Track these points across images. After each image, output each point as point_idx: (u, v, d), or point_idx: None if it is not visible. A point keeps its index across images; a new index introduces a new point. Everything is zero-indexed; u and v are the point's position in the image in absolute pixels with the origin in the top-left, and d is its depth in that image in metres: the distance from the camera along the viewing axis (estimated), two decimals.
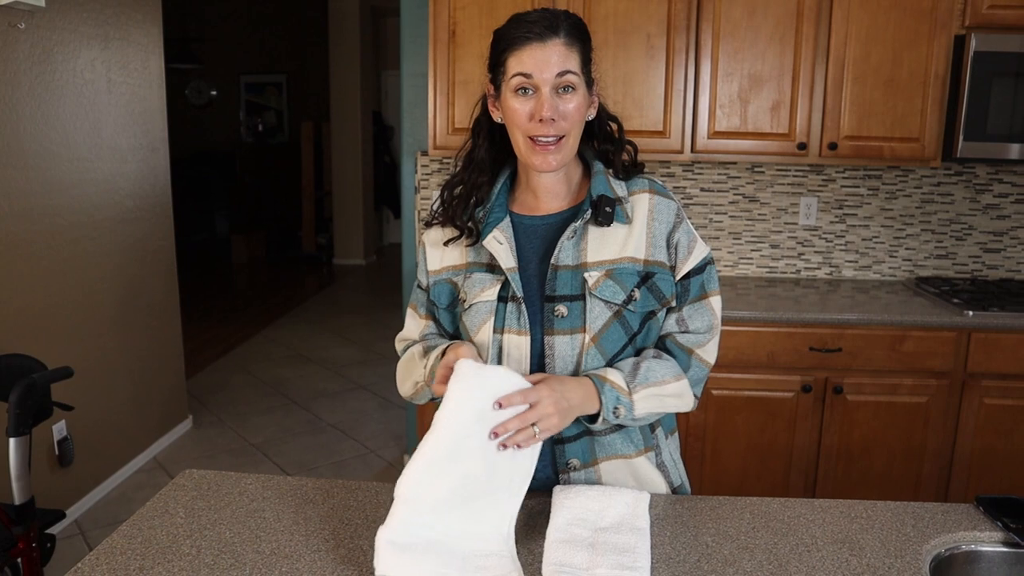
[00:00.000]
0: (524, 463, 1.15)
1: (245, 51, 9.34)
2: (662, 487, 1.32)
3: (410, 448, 3.67)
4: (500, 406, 1.11)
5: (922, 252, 3.28)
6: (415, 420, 3.47)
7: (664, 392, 1.25)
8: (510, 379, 1.14)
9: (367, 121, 8.44)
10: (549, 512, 1.21)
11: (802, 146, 2.88)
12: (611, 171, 1.30)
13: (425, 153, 3.27)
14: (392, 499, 1.08)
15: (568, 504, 1.15)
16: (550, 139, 1.21)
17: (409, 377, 1.35)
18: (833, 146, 2.87)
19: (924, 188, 3.23)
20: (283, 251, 8.96)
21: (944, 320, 2.70)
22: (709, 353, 1.31)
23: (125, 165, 3.46)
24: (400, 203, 10.12)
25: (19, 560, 1.97)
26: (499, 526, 1.11)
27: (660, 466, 1.33)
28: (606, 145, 1.32)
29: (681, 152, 2.90)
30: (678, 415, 1.47)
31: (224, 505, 1.24)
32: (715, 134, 2.90)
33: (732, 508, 1.26)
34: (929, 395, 2.73)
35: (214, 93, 9.53)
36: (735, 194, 3.27)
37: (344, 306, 6.90)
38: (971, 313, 2.71)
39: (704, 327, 1.29)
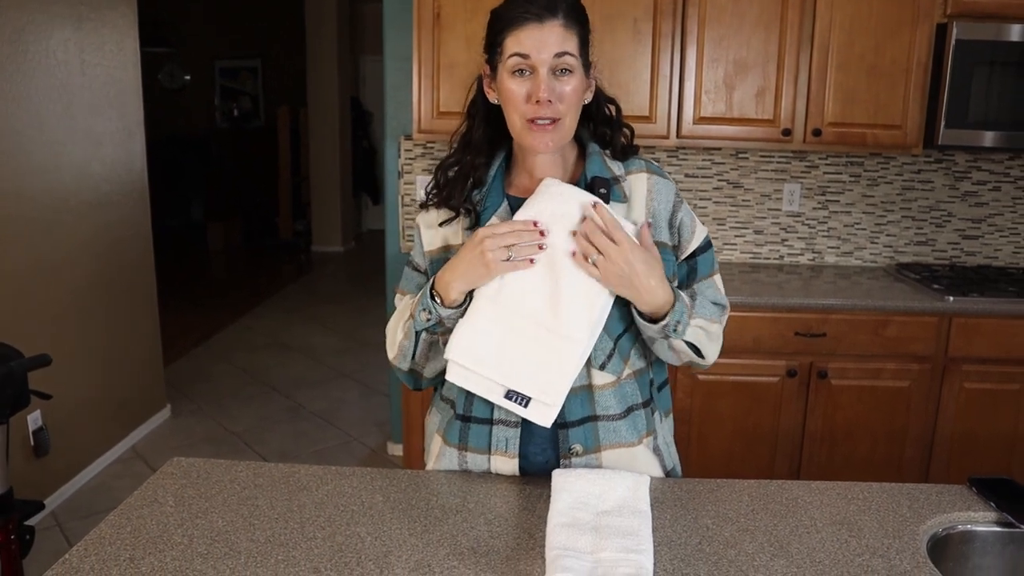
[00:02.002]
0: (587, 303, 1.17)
1: (219, 35, 9.20)
2: (657, 471, 1.32)
3: (394, 435, 3.65)
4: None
5: (902, 239, 3.31)
6: (398, 407, 3.45)
7: (708, 330, 1.27)
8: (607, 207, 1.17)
9: (345, 106, 8.35)
10: (548, 496, 1.20)
11: (786, 132, 2.88)
12: (607, 152, 1.29)
13: (409, 137, 3.23)
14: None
15: (569, 488, 1.14)
16: (547, 120, 1.19)
17: (400, 318, 1.31)
18: (817, 132, 2.87)
19: (905, 175, 3.25)
20: (260, 238, 8.86)
21: (926, 305, 2.72)
22: (723, 323, 1.32)
23: (100, 149, 3.39)
24: (378, 189, 10.04)
25: None
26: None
27: (656, 450, 1.32)
28: (603, 127, 1.30)
29: (667, 137, 2.89)
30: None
31: (215, 493, 1.21)
32: (700, 120, 2.90)
33: (730, 491, 1.26)
34: (911, 379, 2.76)
35: (188, 77, 9.38)
36: (719, 180, 3.27)
37: (323, 294, 6.85)
38: (951, 299, 2.73)
39: (715, 302, 1.30)
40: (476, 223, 1.26)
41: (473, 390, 1.21)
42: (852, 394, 2.77)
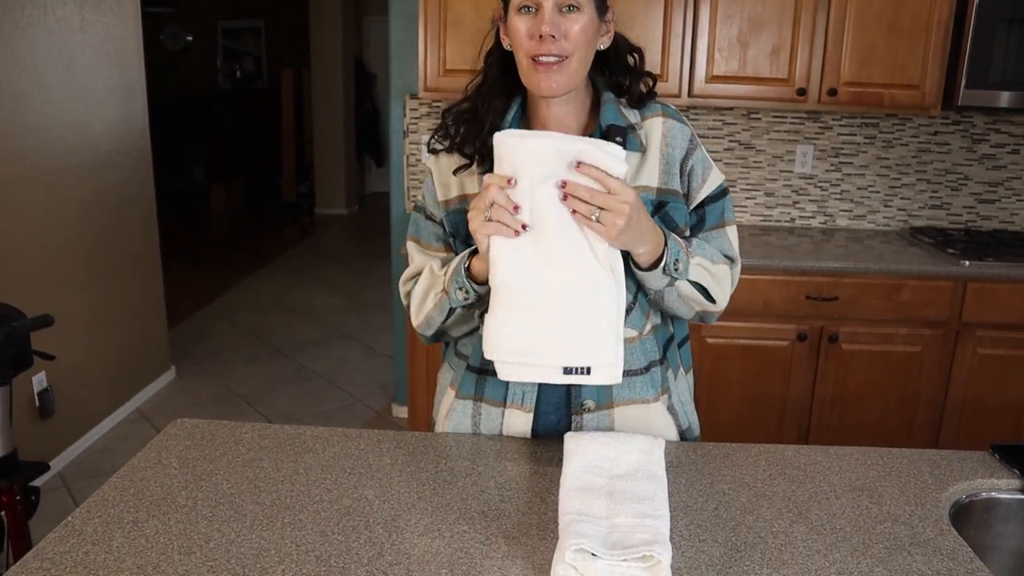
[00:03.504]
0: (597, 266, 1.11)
1: None
2: (672, 431, 1.29)
3: (398, 397, 3.64)
4: (578, 168, 1.05)
5: (917, 202, 3.25)
6: (403, 369, 3.43)
7: (712, 270, 1.22)
8: (600, 147, 1.07)
9: (349, 68, 8.24)
10: (560, 459, 1.17)
11: (801, 92, 2.81)
12: (623, 100, 1.24)
13: (414, 96, 3.16)
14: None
15: (581, 451, 1.11)
16: (551, 58, 1.13)
17: (428, 295, 1.25)
18: (833, 92, 2.80)
19: (921, 137, 3.18)
20: (263, 200, 8.80)
21: (941, 270, 2.67)
22: (733, 280, 1.27)
23: (101, 107, 3.33)
24: (382, 152, 9.95)
25: (3, 513, 1.91)
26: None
27: (670, 409, 1.29)
28: (620, 76, 1.24)
29: (679, 96, 2.83)
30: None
31: (219, 455, 1.18)
32: (713, 78, 2.83)
33: (746, 455, 1.23)
34: (923, 344, 2.72)
35: (190, 39, 9.24)
36: (730, 141, 3.20)
37: (327, 255, 6.81)
38: (967, 263, 2.69)
39: (724, 255, 1.26)
40: (492, 168, 1.21)
41: (532, 380, 1.18)
42: (863, 359, 2.73)
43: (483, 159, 1.22)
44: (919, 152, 3.19)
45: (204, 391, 3.88)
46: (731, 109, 3.15)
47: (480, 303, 1.19)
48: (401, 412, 3.63)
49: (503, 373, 1.14)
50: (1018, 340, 2.72)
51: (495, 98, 1.23)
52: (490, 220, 1.07)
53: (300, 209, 8.55)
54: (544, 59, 1.13)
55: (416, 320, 1.30)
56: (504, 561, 0.95)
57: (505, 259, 1.10)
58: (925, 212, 3.25)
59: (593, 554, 0.88)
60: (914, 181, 3.23)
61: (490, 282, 1.12)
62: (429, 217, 1.32)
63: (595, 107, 1.25)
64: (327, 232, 7.75)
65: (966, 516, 1.16)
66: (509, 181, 1.06)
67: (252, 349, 4.49)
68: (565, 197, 1.05)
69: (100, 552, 0.94)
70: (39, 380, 2.88)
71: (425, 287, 1.27)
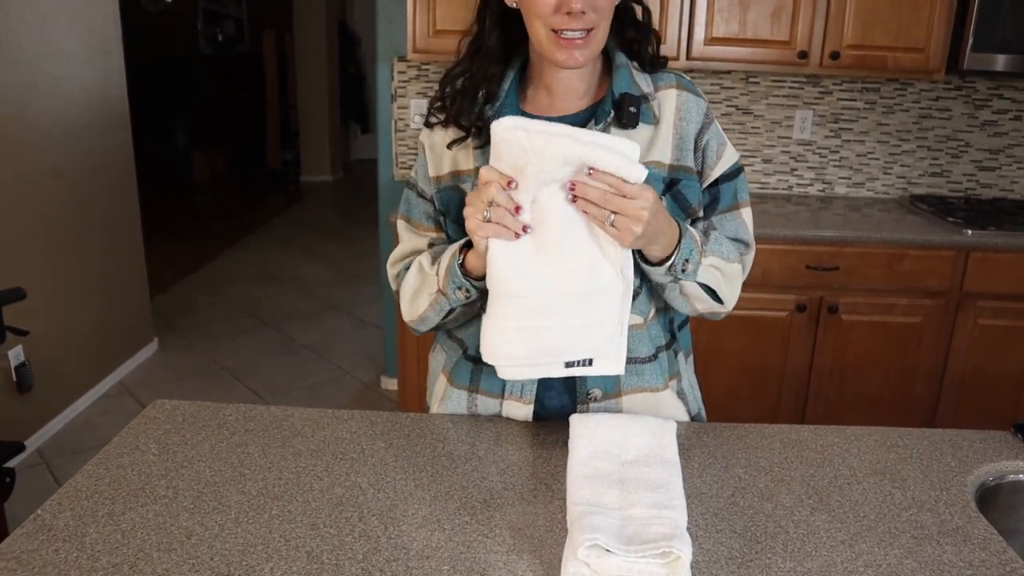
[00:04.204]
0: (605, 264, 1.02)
1: None
2: (682, 417, 1.22)
3: (387, 369, 3.57)
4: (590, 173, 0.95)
5: (916, 169, 3.18)
6: (393, 339, 3.35)
7: (725, 269, 1.14)
8: (613, 148, 0.95)
9: (333, 31, 8.05)
10: (565, 442, 1.10)
11: (803, 55, 2.72)
12: (635, 64, 1.15)
13: (402, 59, 3.05)
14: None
15: (588, 434, 1.04)
16: (577, 33, 1.04)
17: (420, 293, 1.18)
18: (835, 55, 2.71)
19: (922, 103, 3.11)
20: (247, 167, 8.63)
21: (943, 239, 2.62)
22: (746, 268, 1.19)
23: (76, 70, 3.20)
24: (368, 118, 9.78)
25: None
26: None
27: (680, 394, 1.22)
28: (631, 32, 1.15)
29: (677, 59, 2.73)
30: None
31: (202, 439, 1.11)
32: (712, 40, 2.73)
33: (760, 437, 1.17)
34: (924, 315, 2.67)
35: (169, 0, 8.99)
36: (728, 106, 3.12)
37: (313, 224, 6.69)
38: (970, 232, 2.63)
39: (737, 239, 1.17)
40: (489, 143, 1.12)
41: (532, 377, 1.11)
42: (863, 330, 2.68)
43: (479, 132, 1.13)
44: (920, 118, 3.12)
45: (188, 364, 3.80)
46: (729, 73, 3.06)
47: (484, 297, 1.11)
48: (390, 384, 3.56)
49: (502, 373, 1.08)
50: (1019, 311, 2.67)
51: (492, 64, 1.13)
52: (489, 221, 0.98)
53: (285, 176, 8.40)
54: (570, 34, 1.03)
55: (408, 316, 1.22)
56: (510, 556, 0.88)
57: (504, 262, 1.01)
58: (925, 180, 3.19)
59: (607, 549, 0.81)
60: (914, 148, 3.16)
61: (487, 284, 1.03)
62: (420, 194, 1.23)
63: (606, 70, 1.16)
64: (313, 200, 7.62)
65: (991, 499, 1.10)
66: (509, 183, 0.96)
67: (237, 321, 4.40)
68: (574, 199, 0.97)
69: (72, 550, 0.87)
70: (16, 354, 2.79)
71: (415, 285, 1.19)
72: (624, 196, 0.94)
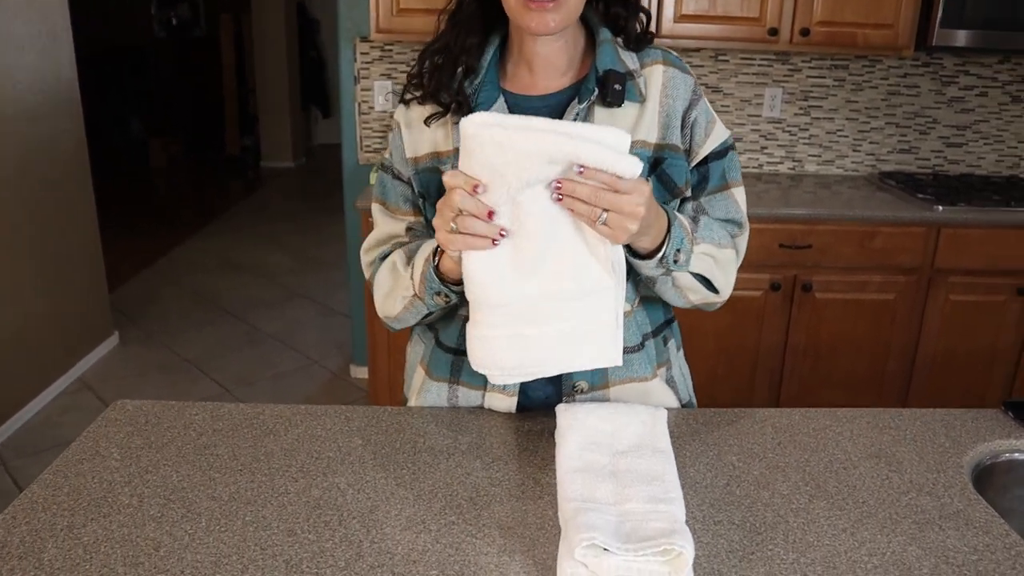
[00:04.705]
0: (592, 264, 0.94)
1: None
2: (673, 405, 1.18)
3: (356, 358, 3.50)
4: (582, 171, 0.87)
5: (885, 146, 3.18)
6: (362, 327, 3.29)
7: (718, 256, 1.08)
8: (603, 140, 0.87)
9: (291, 12, 7.86)
10: (552, 433, 1.06)
11: (773, 31, 2.69)
12: (620, 40, 1.09)
13: (365, 39, 2.96)
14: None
15: (577, 426, 1.00)
16: None
17: (394, 292, 1.12)
18: (805, 32, 2.69)
19: (891, 79, 3.10)
20: (205, 154, 8.43)
21: (915, 215, 2.62)
22: (740, 250, 1.15)
23: (22, 54, 3.06)
24: (329, 102, 9.60)
25: None
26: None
27: (670, 382, 1.18)
28: (617, 8, 1.09)
29: None
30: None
31: (167, 441, 1.04)
32: (682, 17, 2.69)
33: (751, 422, 1.13)
34: (897, 292, 2.67)
35: None
36: (697, 84, 3.08)
37: (275, 212, 6.55)
38: (941, 208, 2.63)
39: (728, 220, 1.13)
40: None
41: (527, 379, 1.03)
42: (837, 307, 2.68)
43: (459, 107, 1.07)
44: (888, 95, 3.12)
45: (150, 357, 3.69)
46: (698, 51, 3.02)
47: (463, 299, 1.05)
48: (360, 373, 3.50)
49: (494, 380, 1.02)
50: (989, 286, 2.69)
51: (470, 34, 1.07)
52: (458, 232, 0.91)
53: (244, 163, 8.22)
54: None
55: (382, 314, 1.16)
56: (501, 557, 0.83)
57: (481, 271, 0.93)
58: (894, 157, 3.19)
59: (605, 549, 0.77)
60: (883, 125, 3.15)
61: (467, 294, 0.96)
62: (396, 176, 1.16)
63: (589, 46, 1.10)
64: (274, 187, 7.47)
65: (986, 479, 1.08)
66: (475, 188, 0.88)
67: (199, 312, 4.29)
68: (560, 199, 0.89)
69: (29, 568, 0.80)
70: None
71: (389, 285, 1.12)
72: (617, 192, 0.87)
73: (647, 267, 1.02)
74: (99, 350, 3.61)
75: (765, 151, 3.17)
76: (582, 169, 0.86)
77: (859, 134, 3.16)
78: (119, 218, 5.94)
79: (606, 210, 0.88)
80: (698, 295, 1.10)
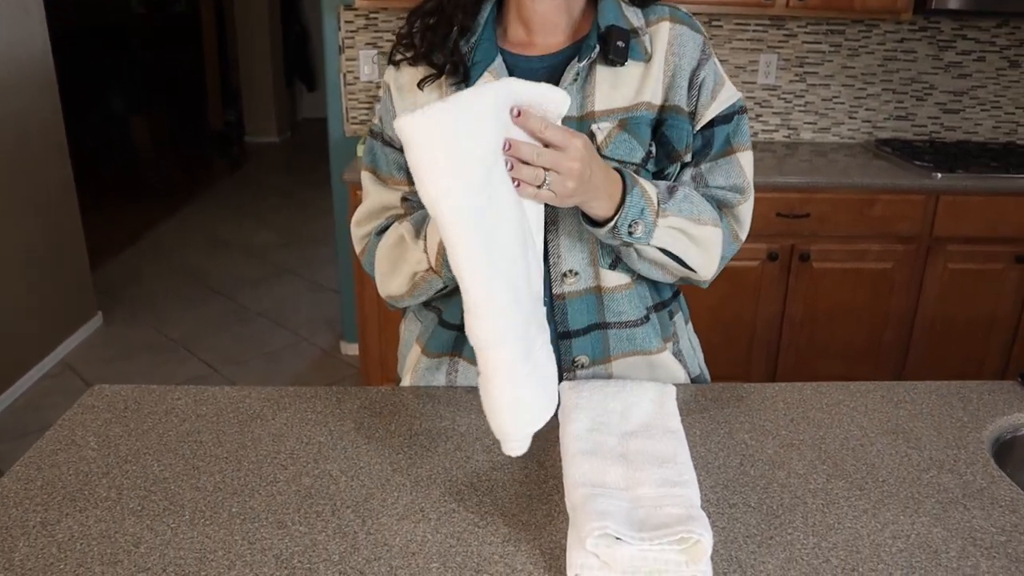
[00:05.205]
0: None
1: None
2: (683, 379, 1.13)
3: (346, 334, 3.44)
4: (518, 115, 0.81)
5: (882, 113, 3.13)
6: (351, 303, 3.23)
7: (694, 233, 1.00)
8: (542, 93, 0.83)
9: None
10: (557, 416, 1.01)
11: None
12: None
13: (350, 7, 2.87)
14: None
15: (583, 404, 0.95)
16: None
17: (399, 268, 1.04)
18: None
19: (887, 44, 3.04)
20: (188, 130, 8.28)
21: (913, 183, 2.57)
22: (742, 219, 1.09)
23: None
24: (313, 76, 9.44)
25: None
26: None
27: (678, 355, 1.13)
28: None
29: None
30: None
31: (148, 428, 0.98)
32: None
33: (761, 397, 1.09)
34: (895, 260, 2.63)
35: None
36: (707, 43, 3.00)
37: (261, 187, 6.45)
38: (939, 175, 2.59)
39: (730, 186, 1.07)
40: (465, 80, 1.00)
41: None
42: (835, 277, 2.64)
43: (454, 69, 1.00)
44: (885, 60, 3.06)
45: (135, 337, 3.61)
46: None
47: None
48: (351, 349, 3.44)
49: (516, 451, 0.85)
50: (987, 253, 2.65)
51: None
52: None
53: (228, 138, 8.08)
54: None
55: (385, 292, 1.09)
56: (506, 547, 0.78)
57: (500, 294, 0.78)
58: (890, 124, 3.14)
59: (617, 538, 0.72)
60: (879, 91, 3.09)
61: (473, 341, 0.79)
62: (387, 142, 1.08)
63: (590, 3, 1.03)
64: (259, 162, 7.35)
65: (1006, 454, 1.04)
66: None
67: (185, 290, 4.21)
68: (511, 166, 0.81)
69: None
70: None
71: (394, 257, 1.04)
72: (549, 146, 0.82)
73: (600, 235, 0.95)
74: (83, 331, 3.53)
75: (760, 119, 3.11)
76: (519, 112, 0.81)
77: (855, 101, 3.10)
78: (102, 196, 5.84)
79: (547, 169, 0.82)
80: (670, 272, 1.04)
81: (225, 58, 8.08)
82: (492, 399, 0.80)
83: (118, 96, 8.48)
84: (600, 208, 0.91)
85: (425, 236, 0.99)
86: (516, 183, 0.82)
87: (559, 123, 0.86)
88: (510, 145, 0.80)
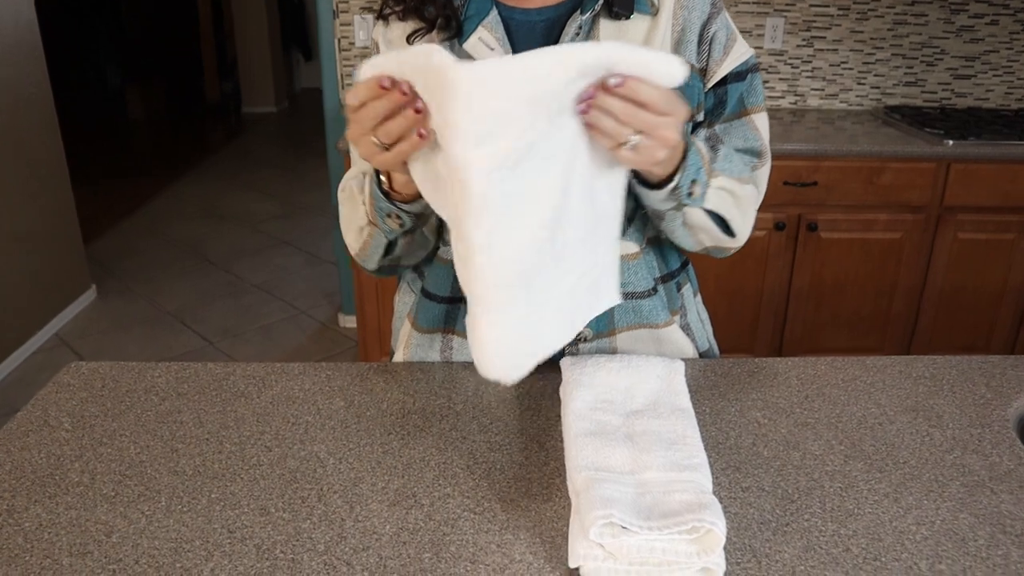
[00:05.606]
0: (604, 200, 0.78)
1: None
2: (691, 354, 1.08)
3: (344, 306, 3.39)
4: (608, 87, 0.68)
5: (891, 79, 3.04)
6: (349, 275, 3.17)
7: (738, 193, 0.94)
8: (649, 63, 0.69)
9: None
10: (556, 390, 0.96)
11: None
12: None
13: None
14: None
15: (586, 381, 0.89)
16: None
17: (351, 224, 0.99)
18: None
19: (897, 8, 2.95)
20: (184, 100, 8.18)
21: (924, 150, 2.49)
22: (759, 184, 1.02)
23: None
24: (310, 44, 9.33)
25: None
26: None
27: (686, 328, 1.07)
28: None
29: None
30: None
31: (125, 408, 0.93)
32: None
33: (772, 372, 1.03)
34: (904, 231, 2.57)
35: None
36: None
37: (258, 158, 6.37)
38: (951, 143, 2.51)
39: (747, 149, 1.00)
40: (458, 35, 0.93)
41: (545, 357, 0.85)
42: (842, 247, 2.58)
43: (446, 23, 0.93)
44: (895, 24, 2.97)
45: (130, 310, 3.57)
46: None
47: (422, 221, 0.93)
48: (349, 322, 3.39)
49: (507, 378, 0.81)
50: (1000, 223, 2.59)
51: None
52: (385, 148, 0.74)
53: (225, 108, 7.98)
54: None
55: (352, 252, 1.03)
56: (504, 535, 0.73)
57: (513, 244, 0.72)
58: (899, 90, 3.05)
59: (623, 527, 0.67)
60: (889, 56, 3.01)
61: (476, 279, 0.73)
62: None
63: None
64: (256, 132, 7.26)
65: None
66: (382, 84, 0.70)
67: (181, 262, 4.15)
68: (587, 109, 0.70)
69: None
70: None
71: (347, 213, 0.99)
72: (654, 112, 0.70)
73: (656, 199, 0.88)
74: (76, 304, 3.48)
75: (766, 85, 3.02)
76: (620, 80, 0.68)
77: (864, 66, 3.02)
78: (96, 168, 5.77)
79: (639, 133, 0.71)
80: (711, 237, 0.97)
81: (221, 27, 7.95)
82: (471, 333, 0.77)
83: (112, 66, 8.36)
84: (660, 169, 0.84)
85: (363, 188, 0.93)
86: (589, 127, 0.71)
87: None
88: (592, 93, 0.69)
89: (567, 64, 0.66)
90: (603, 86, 0.68)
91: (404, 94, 0.69)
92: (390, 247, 0.97)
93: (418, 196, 0.84)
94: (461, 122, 0.66)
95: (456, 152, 0.67)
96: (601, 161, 0.76)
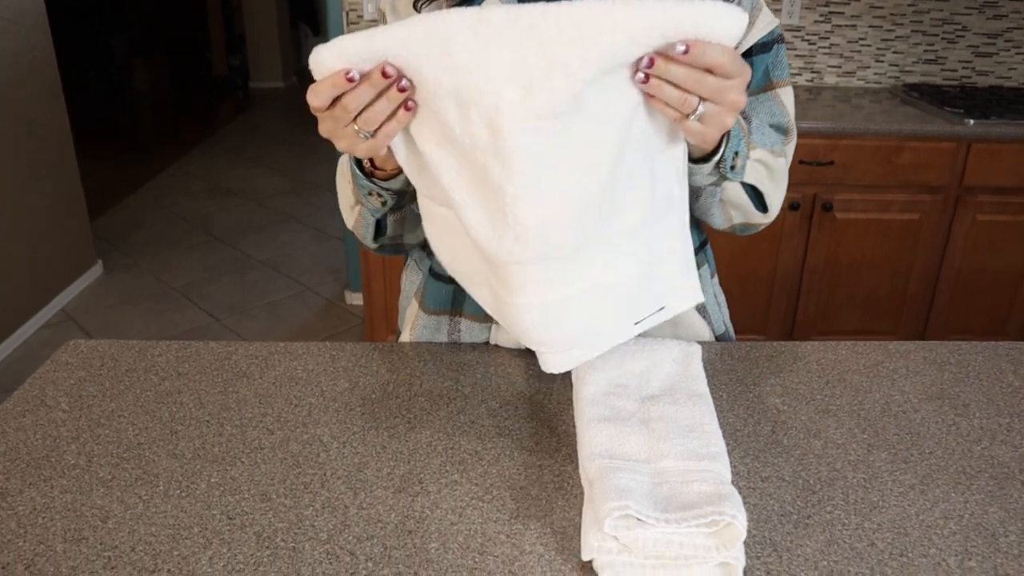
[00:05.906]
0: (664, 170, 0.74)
1: None
2: (707, 337, 1.04)
3: (351, 283, 3.36)
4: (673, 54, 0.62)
5: (910, 56, 2.98)
6: (355, 252, 3.14)
7: (772, 166, 0.91)
8: (709, 17, 0.61)
9: None
10: (569, 374, 0.92)
11: None
12: None
13: None
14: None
15: (599, 365, 0.86)
16: None
17: (345, 198, 0.95)
18: None
19: None
20: (192, 75, 8.12)
21: (944, 130, 2.44)
22: (788, 157, 0.99)
23: None
24: (318, 18, 9.24)
25: None
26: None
27: (702, 311, 1.04)
28: None
29: None
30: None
31: (124, 389, 0.90)
32: None
33: (792, 356, 1.00)
34: (922, 211, 2.52)
35: None
36: None
37: (265, 133, 6.32)
38: (972, 122, 2.45)
39: (774, 125, 0.96)
40: (468, 3, 0.89)
41: (591, 356, 0.84)
42: (858, 228, 2.53)
43: None
44: (916, 0, 2.90)
45: (136, 286, 3.55)
46: None
47: (403, 199, 0.89)
48: (355, 299, 3.37)
49: (548, 365, 0.80)
50: (1019, 205, 2.54)
51: None
52: (370, 133, 0.70)
53: (233, 83, 7.93)
54: None
55: (349, 226, 1.00)
56: (513, 524, 0.71)
57: (557, 206, 0.67)
58: (919, 67, 2.99)
59: (639, 519, 0.64)
60: (908, 33, 2.94)
61: (515, 246, 0.69)
62: None
63: None
64: (264, 107, 7.21)
65: None
66: (349, 75, 0.65)
67: (187, 238, 4.13)
68: (646, 79, 0.64)
69: None
70: None
71: (342, 190, 0.96)
72: (719, 76, 0.64)
73: (701, 173, 0.83)
74: (82, 280, 3.47)
75: None
76: (684, 47, 0.61)
77: (883, 43, 2.95)
78: (102, 143, 5.73)
79: (706, 100, 0.65)
80: (742, 214, 0.94)
81: (229, 1, 7.88)
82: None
83: (118, 40, 8.30)
84: (709, 143, 0.77)
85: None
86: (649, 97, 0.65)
87: None
88: (652, 62, 0.62)
89: (619, 26, 0.61)
90: (664, 53, 0.62)
91: (386, 75, 0.65)
92: (380, 225, 0.94)
93: (399, 171, 0.81)
94: (491, 64, 0.62)
95: (486, 98, 0.63)
96: (663, 135, 0.72)
